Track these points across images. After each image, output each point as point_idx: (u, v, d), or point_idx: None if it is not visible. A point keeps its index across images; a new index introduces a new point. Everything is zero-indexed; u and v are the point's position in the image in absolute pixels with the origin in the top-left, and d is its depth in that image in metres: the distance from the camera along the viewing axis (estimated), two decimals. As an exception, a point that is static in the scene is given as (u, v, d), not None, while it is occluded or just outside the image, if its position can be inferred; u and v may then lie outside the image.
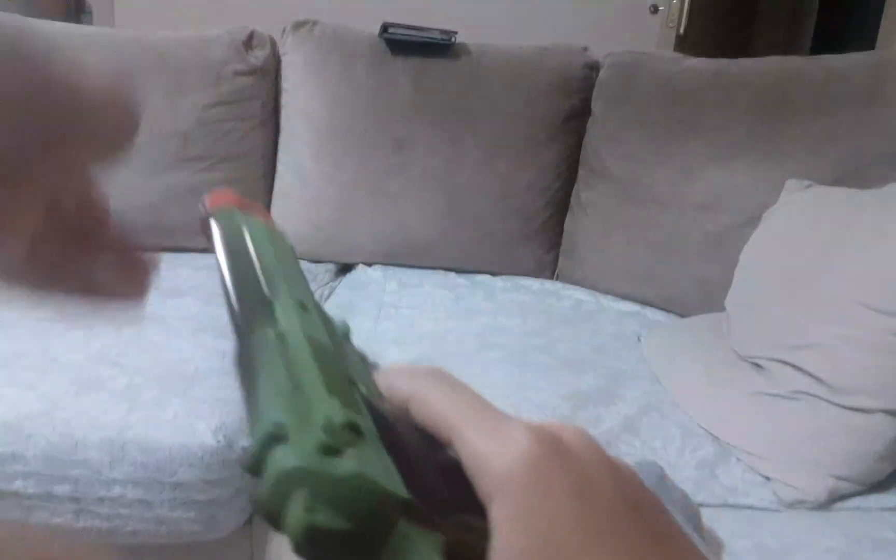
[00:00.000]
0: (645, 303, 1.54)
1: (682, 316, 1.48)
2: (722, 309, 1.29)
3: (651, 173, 1.53)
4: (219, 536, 1.05)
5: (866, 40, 2.70)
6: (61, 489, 1.00)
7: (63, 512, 1.00)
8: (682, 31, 2.57)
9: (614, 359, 1.26)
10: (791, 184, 1.31)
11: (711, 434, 1.05)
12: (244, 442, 1.04)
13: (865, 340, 0.96)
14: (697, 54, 1.67)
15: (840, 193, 1.20)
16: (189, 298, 1.37)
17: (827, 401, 0.97)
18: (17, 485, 0.99)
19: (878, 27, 2.58)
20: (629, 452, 1.00)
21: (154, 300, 1.32)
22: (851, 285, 1.00)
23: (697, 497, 0.93)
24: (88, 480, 0.99)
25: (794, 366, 1.03)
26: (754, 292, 1.22)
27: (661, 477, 0.91)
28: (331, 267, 1.69)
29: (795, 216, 1.23)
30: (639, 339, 1.36)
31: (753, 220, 1.33)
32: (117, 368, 1.10)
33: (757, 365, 1.10)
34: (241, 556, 1.11)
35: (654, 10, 2.58)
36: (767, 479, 0.97)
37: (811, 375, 1.00)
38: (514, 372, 1.18)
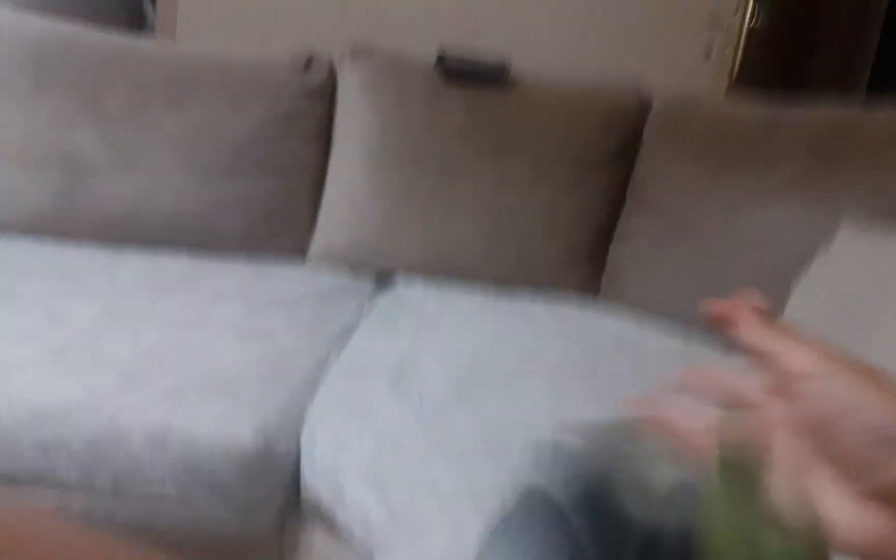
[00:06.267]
0: (690, 338, 1.51)
1: (730, 352, 1.45)
2: (771, 348, 1.26)
3: (701, 207, 1.51)
4: (253, 535, 1.05)
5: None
6: (103, 479, 1.01)
7: (102, 501, 1.02)
8: (734, 74, 2.56)
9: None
10: (847, 223, 1.28)
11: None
12: (282, 444, 1.05)
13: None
14: (752, 90, 1.66)
15: (897, 237, 1.17)
16: (236, 304, 1.39)
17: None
18: (61, 472, 1.01)
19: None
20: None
21: (200, 304, 1.34)
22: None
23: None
24: (129, 473, 1.01)
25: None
26: (806, 332, 1.18)
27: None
28: (371, 281, 1.70)
29: (850, 257, 1.20)
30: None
31: (805, 259, 1.30)
32: (162, 367, 1.13)
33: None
34: (272, 554, 1.12)
35: (708, 53, 2.57)
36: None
37: (864, 418, 0.96)
38: (551, 399, 1.16)
